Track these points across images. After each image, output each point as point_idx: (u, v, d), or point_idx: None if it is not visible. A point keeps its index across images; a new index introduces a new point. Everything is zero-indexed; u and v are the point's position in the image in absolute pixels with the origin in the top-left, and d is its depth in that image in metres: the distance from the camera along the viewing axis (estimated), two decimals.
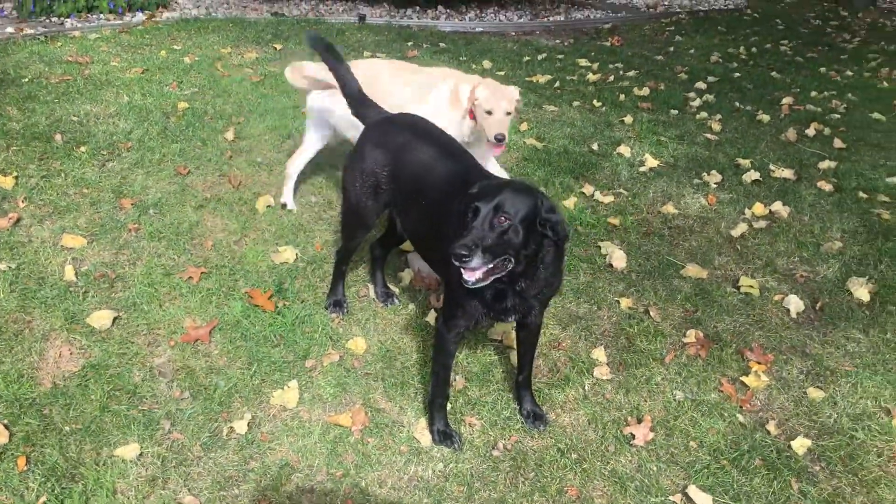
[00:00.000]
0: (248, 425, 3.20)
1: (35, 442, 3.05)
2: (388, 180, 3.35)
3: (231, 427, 3.19)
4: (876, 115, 7.40)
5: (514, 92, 4.33)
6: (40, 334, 3.62)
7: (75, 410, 3.21)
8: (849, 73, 9.41)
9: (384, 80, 4.38)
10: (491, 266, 2.65)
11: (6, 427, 3.08)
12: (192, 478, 2.97)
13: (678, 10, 13.77)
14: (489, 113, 4.19)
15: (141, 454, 3.04)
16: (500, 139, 4.18)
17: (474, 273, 2.64)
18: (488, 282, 2.70)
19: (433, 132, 3.42)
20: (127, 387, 3.36)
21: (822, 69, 9.53)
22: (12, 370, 3.39)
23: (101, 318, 3.71)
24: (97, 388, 3.32)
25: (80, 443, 3.07)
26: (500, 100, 4.20)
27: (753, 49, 10.51)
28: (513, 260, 2.70)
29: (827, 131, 6.79)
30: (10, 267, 4.02)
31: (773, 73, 9.14)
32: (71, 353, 3.53)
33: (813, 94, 8.19)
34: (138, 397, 3.32)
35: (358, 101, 3.66)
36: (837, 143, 6.48)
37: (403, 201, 3.34)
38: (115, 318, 3.74)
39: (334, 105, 4.30)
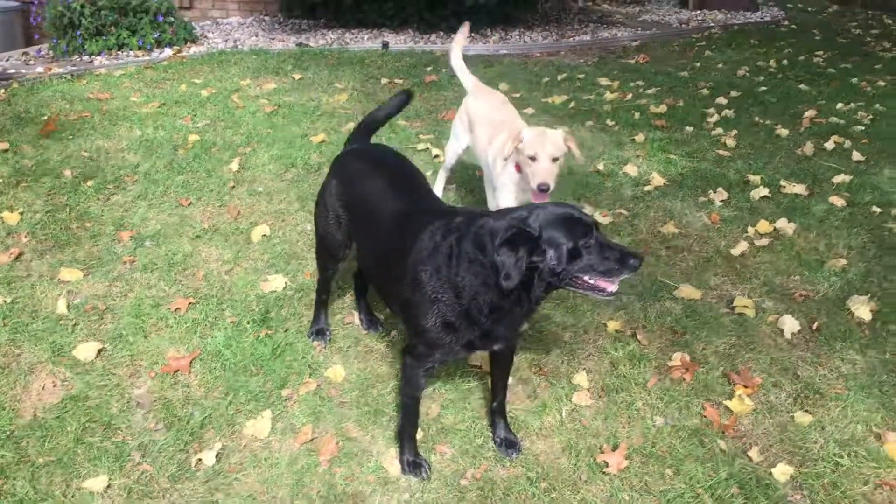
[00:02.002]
0: (216, 456, 3.21)
1: (8, 474, 3.10)
2: (343, 211, 3.36)
3: (199, 459, 3.20)
4: None
5: (558, 136, 3.93)
6: (27, 367, 3.69)
7: (50, 442, 3.26)
8: (881, 83, 9.12)
9: (481, 113, 4.63)
10: None
11: None
12: None
13: (711, 24, 13.56)
14: (533, 159, 3.85)
15: (109, 486, 3.07)
16: (542, 189, 3.79)
17: (615, 282, 2.79)
18: None
19: (389, 163, 3.42)
20: (103, 418, 3.40)
21: (854, 80, 9.27)
22: None
23: (86, 351, 3.78)
24: (73, 420, 3.36)
25: (51, 475, 3.11)
26: (544, 144, 3.83)
27: (784, 62, 10.29)
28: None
29: (847, 144, 6.60)
30: (5, 301, 4.12)
31: (801, 86, 8.93)
32: (54, 385, 3.60)
33: (839, 105, 7.96)
34: (113, 429, 3.35)
35: (362, 133, 3.80)
36: (856, 156, 6.29)
37: (356, 233, 3.34)
38: (99, 350, 3.80)
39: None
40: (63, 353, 3.79)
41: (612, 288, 2.77)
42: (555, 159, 3.85)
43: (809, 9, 15.93)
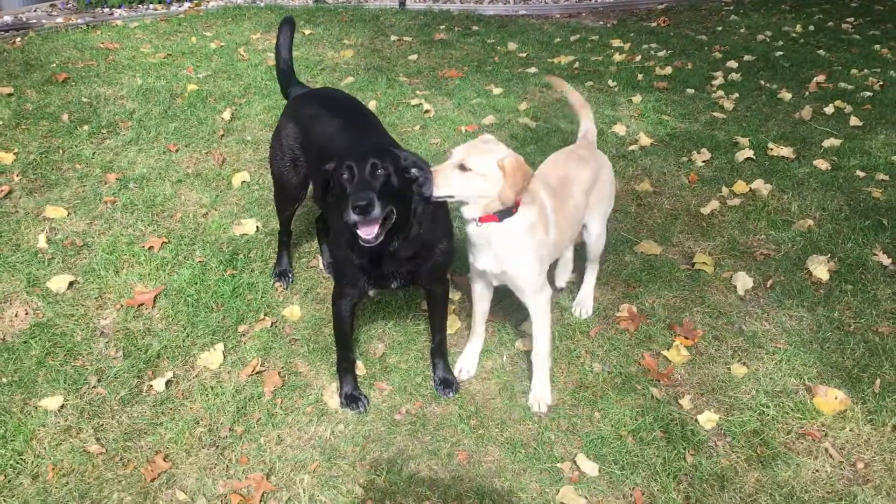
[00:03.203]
0: (167, 384, 3.38)
1: None
2: (301, 153, 3.47)
3: (151, 385, 3.37)
4: None
5: (485, 150, 3.01)
6: (2, 295, 3.89)
7: (14, 364, 3.46)
8: None
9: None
10: (383, 218, 2.72)
11: None
12: (103, 429, 3.17)
13: None
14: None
15: (63, 406, 3.26)
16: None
17: (371, 228, 2.70)
18: (382, 237, 2.75)
19: (343, 105, 3.52)
20: (67, 345, 3.59)
21: (877, 46, 9.05)
22: None
23: (58, 283, 3.97)
24: (38, 346, 3.56)
25: (12, 393, 3.31)
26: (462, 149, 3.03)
27: (811, 27, 10.03)
28: (394, 212, 2.77)
29: (848, 109, 6.49)
30: None
31: (820, 52, 8.73)
32: (25, 313, 3.79)
33: (853, 71, 7.79)
34: (74, 355, 3.54)
35: (287, 81, 3.83)
36: (854, 121, 6.20)
37: (312, 174, 3.45)
38: (71, 283, 3.99)
39: None
40: (37, 284, 3.98)
41: (363, 233, 2.70)
42: (462, 167, 2.94)
43: None
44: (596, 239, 3.73)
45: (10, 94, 6.13)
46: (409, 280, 3.09)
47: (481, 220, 3.04)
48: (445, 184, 2.93)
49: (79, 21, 8.82)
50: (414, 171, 2.81)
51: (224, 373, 3.48)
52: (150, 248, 4.27)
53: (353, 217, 2.63)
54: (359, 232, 2.72)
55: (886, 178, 5.17)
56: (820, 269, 4.08)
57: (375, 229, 2.71)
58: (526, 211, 3.09)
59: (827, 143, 5.71)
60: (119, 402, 3.29)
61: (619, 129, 5.92)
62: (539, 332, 3.31)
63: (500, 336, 3.71)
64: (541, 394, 3.35)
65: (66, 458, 3.01)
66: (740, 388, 3.37)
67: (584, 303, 3.90)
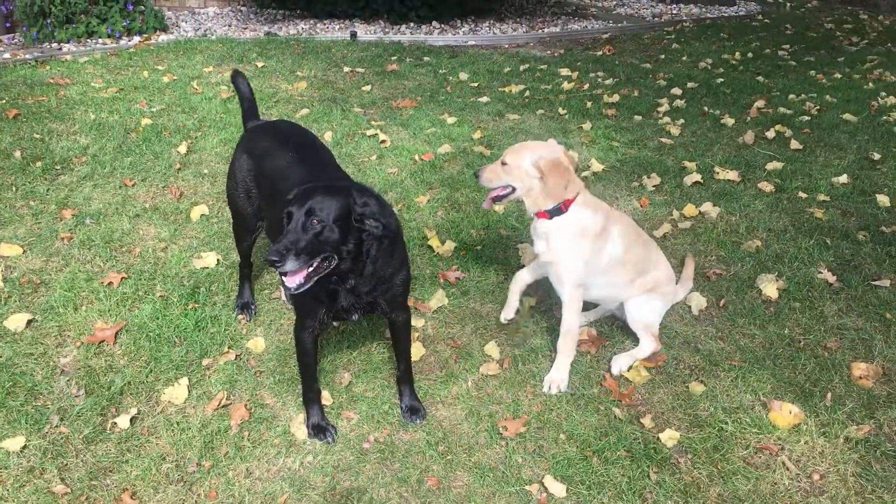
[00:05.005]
0: (131, 420, 3.35)
1: None
2: (254, 185, 3.50)
3: (115, 422, 3.34)
4: (847, 116, 7.30)
5: (529, 149, 3.57)
6: None
7: None
8: (837, 75, 9.27)
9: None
10: (312, 268, 2.78)
11: None
12: (68, 468, 3.13)
13: (684, 18, 13.69)
14: None
15: (25, 446, 3.21)
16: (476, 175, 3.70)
17: (294, 278, 2.77)
18: (310, 284, 2.80)
19: (296, 138, 3.57)
20: (27, 384, 3.54)
21: (812, 72, 9.43)
22: None
23: (16, 321, 3.92)
24: None
25: None
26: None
27: (749, 55, 10.41)
28: (335, 258, 2.82)
29: (788, 133, 6.75)
30: None
31: (759, 78, 9.07)
32: None
33: (791, 97, 8.11)
34: (35, 394, 3.49)
35: (246, 118, 3.95)
36: (794, 144, 6.45)
37: (265, 206, 3.49)
38: (29, 321, 3.94)
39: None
40: None
41: (287, 281, 2.78)
42: (503, 164, 3.53)
43: (790, 4, 16.07)
44: (626, 315, 3.85)
45: None
46: (370, 310, 3.14)
47: (537, 215, 3.55)
48: (490, 177, 3.60)
49: (27, 56, 8.73)
50: (368, 221, 2.84)
51: (189, 407, 3.47)
52: (110, 283, 4.24)
53: (270, 266, 2.71)
54: (284, 279, 2.78)
55: (827, 198, 5.38)
56: (769, 287, 4.23)
57: (297, 279, 2.77)
58: (581, 213, 3.52)
59: (770, 166, 5.93)
60: (83, 441, 3.25)
61: (572, 155, 6.05)
62: (567, 314, 3.63)
63: (464, 362, 3.76)
64: (558, 377, 3.60)
65: (31, 499, 2.97)
66: (699, 406, 3.47)
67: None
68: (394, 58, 9.36)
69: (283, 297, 4.21)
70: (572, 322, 3.62)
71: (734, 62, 9.93)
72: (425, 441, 3.30)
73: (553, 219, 3.51)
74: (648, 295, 3.78)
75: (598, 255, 3.57)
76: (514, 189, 3.57)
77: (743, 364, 3.71)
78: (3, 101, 6.82)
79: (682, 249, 4.71)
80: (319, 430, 3.32)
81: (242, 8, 12.97)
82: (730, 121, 7.12)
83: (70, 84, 7.48)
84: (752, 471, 3.12)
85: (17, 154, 5.68)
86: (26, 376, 3.59)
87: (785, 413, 3.36)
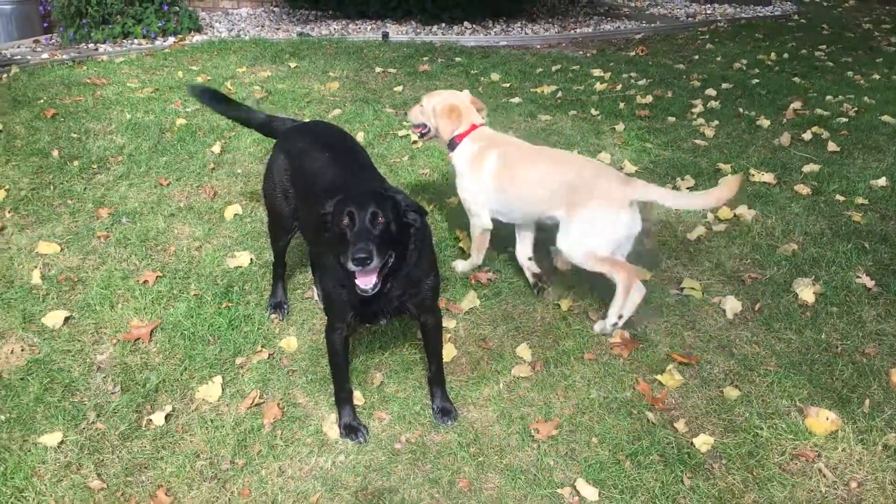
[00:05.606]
0: (166, 417, 3.39)
1: None
2: (290, 185, 3.52)
3: (150, 419, 3.38)
4: (886, 118, 7.17)
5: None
6: None
7: (13, 401, 3.46)
8: (875, 76, 9.11)
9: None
10: (381, 266, 2.80)
11: None
12: (104, 464, 3.17)
13: (719, 18, 13.55)
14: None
15: (62, 442, 3.25)
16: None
17: (369, 278, 2.78)
18: (380, 285, 2.83)
19: (333, 140, 3.59)
20: (64, 381, 3.59)
21: (850, 73, 9.28)
22: None
23: (54, 318, 3.98)
24: (36, 382, 3.56)
25: (11, 430, 3.31)
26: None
27: (785, 55, 10.27)
28: (394, 256, 2.84)
29: (826, 135, 6.65)
30: None
31: (795, 79, 8.94)
32: (21, 350, 3.80)
33: (828, 98, 7.99)
34: (72, 390, 3.55)
35: (267, 123, 3.98)
36: (832, 146, 6.35)
37: (302, 207, 3.51)
38: (67, 318, 4.00)
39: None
40: (33, 320, 3.99)
41: (361, 283, 2.79)
42: (420, 106, 4.56)
43: (825, 3, 15.86)
44: (561, 244, 3.99)
45: (0, 130, 6.16)
46: (397, 313, 3.16)
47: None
48: (412, 116, 4.57)
49: (64, 57, 8.88)
50: (412, 215, 2.87)
51: (223, 405, 3.50)
52: (145, 282, 4.29)
53: (353, 267, 2.70)
54: (357, 282, 2.79)
55: (865, 202, 5.30)
56: (806, 291, 4.18)
57: (373, 279, 2.80)
58: (464, 145, 4.26)
59: (806, 168, 5.85)
60: (119, 437, 3.30)
61: (604, 157, 6.03)
62: (473, 248, 4.45)
63: (496, 363, 3.76)
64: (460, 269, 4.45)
65: (68, 494, 3.01)
66: (733, 411, 3.43)
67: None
68: (425, 58, 9.36)
69: (316, 297, 4.23)
70: (475, 259, 4.42)
71: (770, 63, 9.81)
72: (457, 442, 3.30)
73: (453, 151, 4.29)
74: (580, 217, 3.84)
75: (484, 179, 4.15)
76: (429, 128, 4.41)
77: (779, 369, 3.66)
78: (42, 101, 6.94)
79: (716, 252, 4.66)
80: (351, 429, 3.33)
81: (275, 9, 13.08)
82: (765, 122, 7.03)
83: (106, 84, 7.59)
84: (788, 477, 3.07)
85: (55, 153, 5.78)
86: (64, 373, 3.64)
87: (822, 419, 3.31)
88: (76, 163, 5.65)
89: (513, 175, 4.08)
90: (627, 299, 3.79)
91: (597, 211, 3.79)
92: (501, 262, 4.57)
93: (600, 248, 3.81)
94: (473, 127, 4.29)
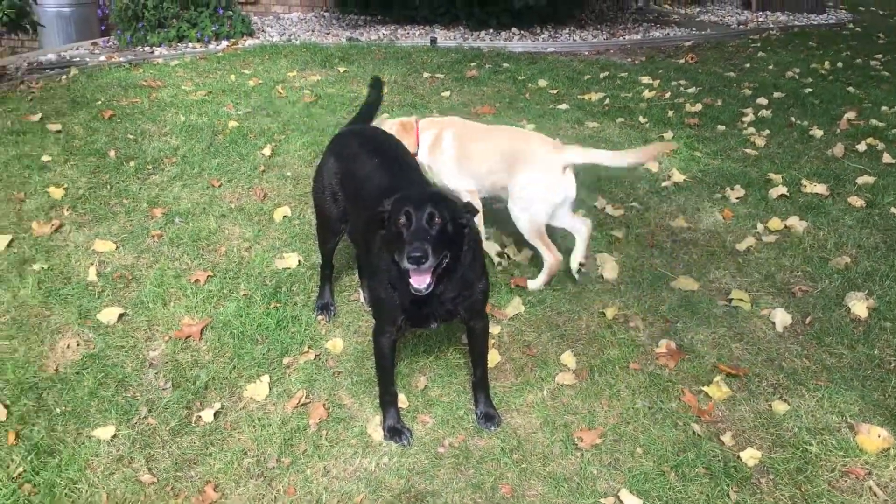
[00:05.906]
0: (215, 415, 3.46)
1: (27, 420, 3.41)
2: (340, 188, 3.57)
3: (199, 416, 3.46)
4: None
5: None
6: (55, 327, 4.02)
7: (68, 395, 3.56)
8: None
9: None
10: (435, 266, 2.83)
11: (6, 406, 3.45)
12: (154, 459, 3.25)
13: (771, 26, 13.35)
14: None
15: (115, 436, 3.34)
16: None
17: (424, 277, 2.81)
18: (433, 285, 2.86)
19: (382, 145, 3.63)
20: (118, 376, 3.69)
21: None
22: (23, 357, 3.79)
23: (109, 315, 4.09)
24: (90, 376, 3.66)
25: (66, 423, 3.40)
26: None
27: (839, 64, 10.08)
28: (448, 257, 2.87)
29: (881, 146, 6.51)
30: (42, 268, 4.47)
31: (850, 88, 8.77)
32: (77, 344, 3.91)
33: (883, 108, 7.82)
34: (125, 385, 3.64)
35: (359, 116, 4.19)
36: (887, 158, 6.22)
37: (351, 210, 3.55)
38: (121, 315, 4.10)
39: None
40: (88, 316, 4.10)
41: (415, 282, 2.82)
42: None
43: (882, 12, 15.53)
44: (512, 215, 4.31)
45: (59, 131, 6.35)
46: (448, 318, 3.17)
47: None
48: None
49: (121, 59, 9.10)
50: (466, 215, 2.91)
51: (270, 404, 3.56)
52: (196, 281, 4.38)
53: (408, 265, 2.73)
54: (411, 281, 2.82)
55: None
56: (858, 306, 4.10)
57: (427, 279, 2.82)
58: (421, 138, 4.54)
59: (861, 180, 5.74)
60: (169, 433, 3.37)
61: (652, 165, 5.98)
62: None
63: (540, 370, 3.76)
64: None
65: (120, 487, 3.09)
66: (782, 426, 3.39)
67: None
68: (473, 64, 9.39)
69: (362, 300, 4.28)
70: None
71: (823, 72, 9.63)
72: (500, 448, 3.31)
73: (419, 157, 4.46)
74: (518, 183, 4.19)
75: (446, 160, 4.43)
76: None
77: (829, 384, 3.60)
78: (99, 103, 7.12)
79: (766, 264, 4.60)
80: (395, 432, 3.36)
81: (325, 14, 13.24)
82: (818, 132, 6.91)
83: (161, 86, 7.76)
84: (838, 495, 3.02)
85: (112, 153, 5.93)
86: (117, 368, 3.74)
87: (873, 437, 3.24)
88: (132, 163, 5.79)
89: (468, 154, 4.43)
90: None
91: (531, 175, 4.16)
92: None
93: (539, 214, 4.19)
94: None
